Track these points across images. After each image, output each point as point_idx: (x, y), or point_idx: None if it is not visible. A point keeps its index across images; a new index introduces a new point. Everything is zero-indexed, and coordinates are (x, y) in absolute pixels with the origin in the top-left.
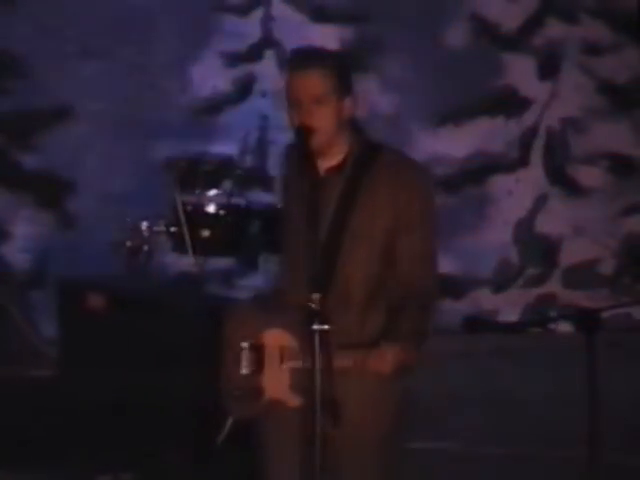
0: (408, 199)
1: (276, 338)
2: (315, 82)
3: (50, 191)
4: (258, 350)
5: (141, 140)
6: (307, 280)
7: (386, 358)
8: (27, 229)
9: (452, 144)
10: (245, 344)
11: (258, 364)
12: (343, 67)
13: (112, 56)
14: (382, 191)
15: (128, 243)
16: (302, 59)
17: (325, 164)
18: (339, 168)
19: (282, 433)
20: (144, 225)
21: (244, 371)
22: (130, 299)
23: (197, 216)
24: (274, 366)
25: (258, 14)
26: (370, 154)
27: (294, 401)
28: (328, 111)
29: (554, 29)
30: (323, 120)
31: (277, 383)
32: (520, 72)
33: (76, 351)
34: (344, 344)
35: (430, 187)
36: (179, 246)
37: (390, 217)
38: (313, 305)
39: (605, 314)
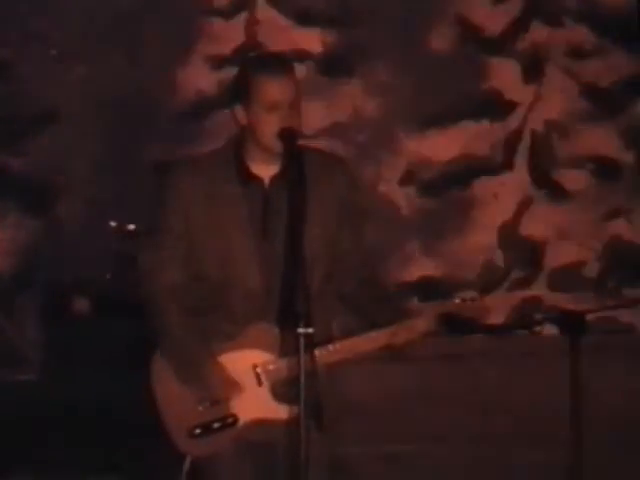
0: (348, 194)
1: (243, 360)
2: (293, 87)
3: (36, 195)
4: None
5: (127, 144)
6: (272, 287)
7: (417, 329)
8: (13, 233)
9: (437, 148)
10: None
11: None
12: None
13: (98, 60)
14: (325, 192)
15: (113, 246)
16: (280, 64)
17: (268, 172)
18: (281, 176)
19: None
20: (130, 228)
21: (201, 407)
22: (115, 303)
23: None
24: (250, 387)
25: (243, 17)
26: (300, 157)
27: (282, 413)
28: (300, 114)
29: (538, 33)
30: (299, 123)
31: (258, 402)
32: (504, 75)
33: (61, 355)
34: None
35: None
36: None
37: (337, 215)
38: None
39: (590, 317)
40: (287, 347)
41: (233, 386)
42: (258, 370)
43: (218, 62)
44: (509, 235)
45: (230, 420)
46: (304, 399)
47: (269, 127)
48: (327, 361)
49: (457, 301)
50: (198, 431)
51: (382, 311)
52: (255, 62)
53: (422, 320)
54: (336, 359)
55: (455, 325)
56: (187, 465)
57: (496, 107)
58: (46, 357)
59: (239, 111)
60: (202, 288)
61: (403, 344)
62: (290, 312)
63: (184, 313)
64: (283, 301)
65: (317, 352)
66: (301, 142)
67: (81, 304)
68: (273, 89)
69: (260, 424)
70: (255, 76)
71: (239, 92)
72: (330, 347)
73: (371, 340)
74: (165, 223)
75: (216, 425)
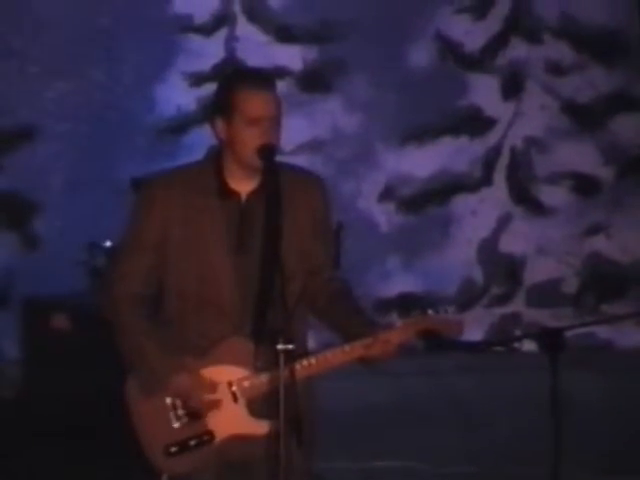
0: (322, 210)
1: (218, 376)
2: (276, 103)
3: (15, 211)
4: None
5: (106, 160)
6: (248, 303)
7: (393, 341)
8: None
9: (416, 163)
10: (170, 398)
11: (194, 411)
12: None
13: (77, 76)
14: (301, 208)
15: (91, 262)
16: (264, 79)
17: (245, 187)
18: (258, 192)
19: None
20: (107, 244)
21: (177, 424)
22: (94, 318)
23: None
24: (226, 404)
25: (222, 34)
26: (277, 174)
27: (259, 429)
28: (280, 132)
29: (518, 49)
30: (278, 140)
31: (233, 419)
32: (484, 92)
33: (40, 371)
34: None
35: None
36: None
37: (311, 230)
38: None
39: (568, 333)
40: (262, 362)
41: (204, 389)
42: (233, 388)
43: (197, 79)
44: (488, 251)
45: (206, 437)
46: (284, 415)
47: (249, 142)
48: (303, 375)
49: (430, 312)
50: (174, 449)
51: (355, 324)
52: (240, 76)
53: (397, 332)
54: (312, 373)
55: (434, 342)
56: None
57: (475, 123)
58: (25, 373)
59: (219, 124)
60: (177, 301)
61: (379, 357)
62: (265, 327)
63: (146, 320)
64: (258, 316)
65: (294, 367)
66: (279, 158)
67: (59, 320)
68: (257, 104)
69: (237, 440)
70: (239, 90)
71: (221, 105)
72: (305, 362)
73: (346, 353)
74: (135, 233)
75: (192, 443)
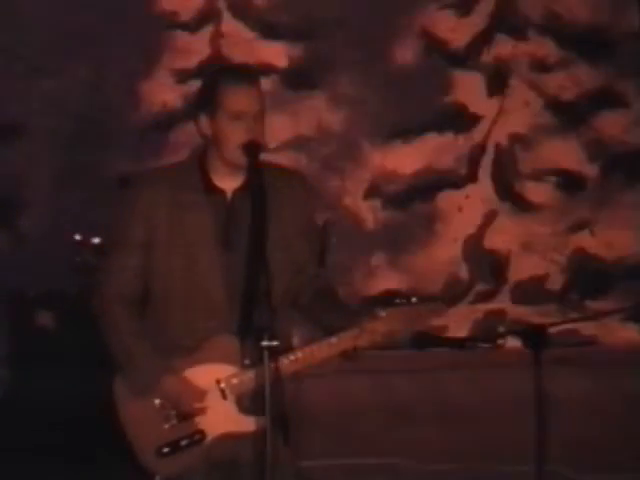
0: (306, 207)
1: (206, 375)
2: (259, 98)
3: (1, 208)
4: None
5: (93, 157)
6: (234, 300)
7: (380, 331)
8: None
9: (401, 160)
10: (158, 400)
11: (184, 411)
12: None
13: (63, 73)
14: (285, 206)
15: (77, 259)
16: (247, 74)
17: (230, 184)
18: (243, 189)
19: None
20: (94, 241)
21: (167, 425)
22: (80, 315)
23: None
24: (215, 402)
25: (208, 30)
26: (262, 171)
27: (249, 426)
28: (263, 127)
29: (503, 46)
30: (262, 136)
31: (224, 417)
32: (469, 88)
33: (27, 369)
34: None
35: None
36: None
37: (298, 228)
38: (260, 322)
39: (553, 330)
40: (248, 358)
41: (194, 393)
42: (222, 385)
43: (183, 75)
44: (473, 248)
45: (197, 437)
46: (270, 412)
47: (233, 137)
48: (290, 370)
49: (414, 299)
50: (166, 450)
51: (339, 318)
52: (223, 72)
53: (383, 321)
54: (298, 368)
55: (419, 339)
56: None
57: (460, 120)
58: (12, 371)
59: (203, 121)
60: (164, 300)
61: (365, 347)
62: (251, 323)
63: (135, 320)
64: (244, 312)
65: (280, 363)
66: (265, 156)
67: (45, 318)
68: (240, 98)
69: (227, 439)
70: (223, 85)
71: (205, 101)
72: (291, 356)
73: (333, 346)
74: (123, 232)
75: (184, 442)
